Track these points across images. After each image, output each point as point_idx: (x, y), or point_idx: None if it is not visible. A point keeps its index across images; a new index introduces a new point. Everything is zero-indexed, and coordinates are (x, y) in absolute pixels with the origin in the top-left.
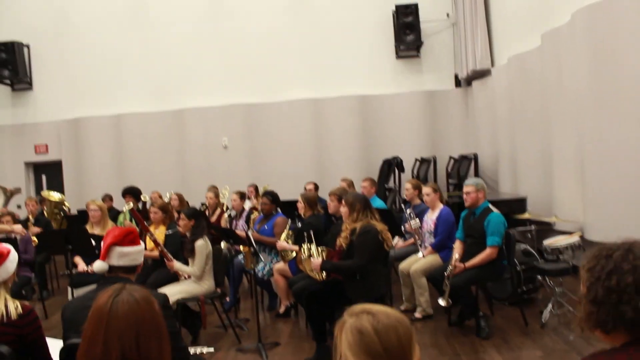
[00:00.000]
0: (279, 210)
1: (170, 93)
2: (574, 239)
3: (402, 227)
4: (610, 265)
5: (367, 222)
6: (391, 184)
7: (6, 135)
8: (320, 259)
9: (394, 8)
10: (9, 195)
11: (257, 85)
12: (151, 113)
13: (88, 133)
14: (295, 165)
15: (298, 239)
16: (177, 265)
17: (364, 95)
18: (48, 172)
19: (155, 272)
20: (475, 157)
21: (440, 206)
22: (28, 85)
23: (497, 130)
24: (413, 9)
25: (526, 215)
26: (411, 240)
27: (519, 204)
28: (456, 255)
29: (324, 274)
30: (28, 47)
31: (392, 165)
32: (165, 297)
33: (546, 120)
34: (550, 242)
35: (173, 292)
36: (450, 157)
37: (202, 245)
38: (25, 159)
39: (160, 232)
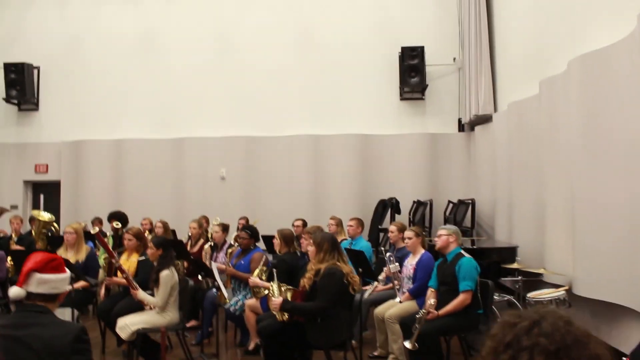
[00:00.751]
0: (257, 245)
1: (171, 122)
2: (559, 293)
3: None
4: (509, 336)
5: (333, 263)
6: (387, 224)
7: (9, 153)
8: (280, 299)
9: (400, 50)
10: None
11: (258, 118)
12: (151, 140)
13: (88, 156)
14: (291, 201)
15: (271, 276)
16: (140, 294)
17: (365, 135)
18: (46, 192)
19: (125, 299)
20: (473, 203)
21: (422, 251)
22: (34, 105)
23: (496, 176)
24: (419, 52)
25: (515, 265)
26: (390, 285)
27: (510, 252)
28: (431, 300)
29: (286, 314)
30: (38, 69)
31: (387, 206)
32: (80, 330)
33: (540, 170)
34: (534, 294)
35: (135, 321)
36: (449, 202)
37: (167, 275)
38: (24, 178)
39: (132, 260)
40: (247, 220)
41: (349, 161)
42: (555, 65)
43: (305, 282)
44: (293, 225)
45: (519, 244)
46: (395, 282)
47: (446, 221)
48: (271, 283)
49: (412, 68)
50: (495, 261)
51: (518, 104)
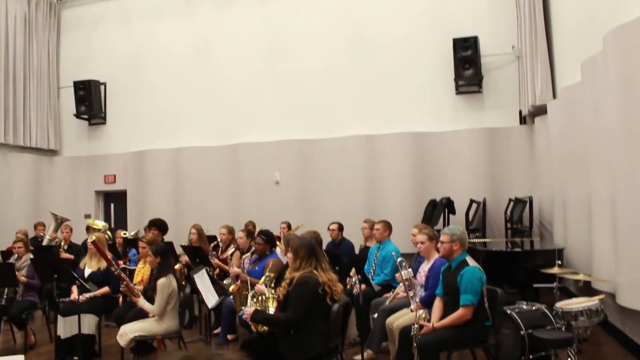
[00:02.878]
0: (274, 250)
1: (227, 128)
2: (592, 302)
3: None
4: None
5: (309, 271)
6: (440, 226)
7: (82, 165)
8: (252, 309)
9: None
10: (59, 222)
11: (311, 121)
12: (208, 147)
13: (150, 165)
14: (346, 203)
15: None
16: (140, 302)
17: (420, 132)
18: (115, 201)
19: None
20: (531, 201)
21: (436, 256)
22: (102, 120)
23: (552, 171)
24: (472, 42)
25: (554, 270)
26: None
27: (552, 255)
28: (421, 312)
29: (264, 326)
30: (105, 85)
31: (436, 206)
32: None
33: (587, 163)
34: (563, 304)
35: (133, 329)
36: (510, 200)
37: (164, 283)
38: (96, 188)
39: (147, 268)
40: (289, 226)
41: (404, 161)
42: (595, 43)
43: (280, 291)
44: (328, 228)
45: (569, 246)
46: (408, 289)
47: (507, 221)
48: (268, 291)
49: (465, 60)
50: (536, 266)
51: (567, 90)
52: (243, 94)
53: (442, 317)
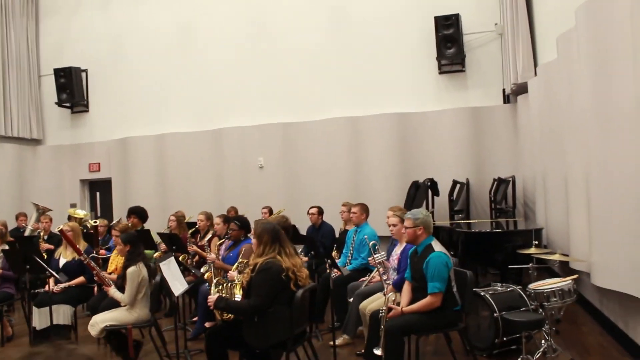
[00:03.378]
0: (249, 236)
1: (210, 113)
2: (564, 283)
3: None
4: None
5: (272, 257)
6: (425, 208)
7: (66, 154)
8: (215, 296)
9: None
10: (41, 212)
11: (294, 104)
12: (191, 132)
13: (134, 152)
14: (331, 185)
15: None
16: (111, 291)
17: (404, 113)
18: (100, 189)
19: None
20: (513, 181)
21: None
22: (85, 107)
23: (534, 150)
24: (454, 20)
25: (531, 250)
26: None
27: (533, 236)
28: (390, 295)
29: (228, 313)
30: (86, 71)
31: (419, 188)
32: None
33: (563, 141)
34: (535, 285)
35: (104, 319)
36: (494, 180)
37: (134, 271)
38: (80, 177)
39: (121, 257)
40: (271, 210)
41: (387, 142)
42: (570, 17)
43: (243, 277)
44: (308, 212)
45: (549, 226)
46: (381, 272)
47: (492, 201)
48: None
49: (447, 38)
50: (516, 246)
51: (545, 67)
52: (226, 77)
53: (412, 301)
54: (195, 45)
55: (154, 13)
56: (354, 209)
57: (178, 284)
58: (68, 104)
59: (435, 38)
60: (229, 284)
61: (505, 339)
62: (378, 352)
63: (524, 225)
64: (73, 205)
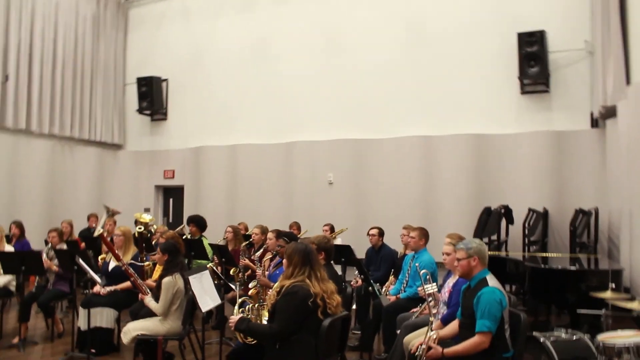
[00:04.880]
0: None
1: (282, 126)
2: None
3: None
4: None
5: (300, 280)
6: (496, 237)
7: (144, 160)
8: (237, 317)
9: (516, 37)
10: (111, 214)
11: (367, 120)
12: (263, 145)
13: (207, 161)
14: (400, 205)
15: None
16: (147, 299)
17: (481, 134)
18: (174, 196)
19: None
20: (596, 213)
21: None
22: (163, 116)
23: (621, 180)
24: (538, 37)
25: (606, 295)
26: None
27: (610, 277)
28: (432, 334)
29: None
30: (167, 81)
31: (491, 215)
32: None
33: None
34: (605, 336)
35: (137, 327)
36: (577, 211)
37: (169, 282)
38: (156, 183)
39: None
40: (332, 228)
41: (462, 164)
42: None
43: (269, 300)
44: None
45: (634, 267)
46: (431, 305)
47: (572, 234)
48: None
49: (530, 56)
50: (587, 289)
51: (637, 86)
52: (299, 91)
53: (457, 340)
54: (270, 59)
55: (233, 27)
56: (412, 233)
57: (209, 299)
58: (148, 112)
59: (517, 56)
60: (257, 305)
61: None
62: None
63: (606, 264)
64: (147, 210)
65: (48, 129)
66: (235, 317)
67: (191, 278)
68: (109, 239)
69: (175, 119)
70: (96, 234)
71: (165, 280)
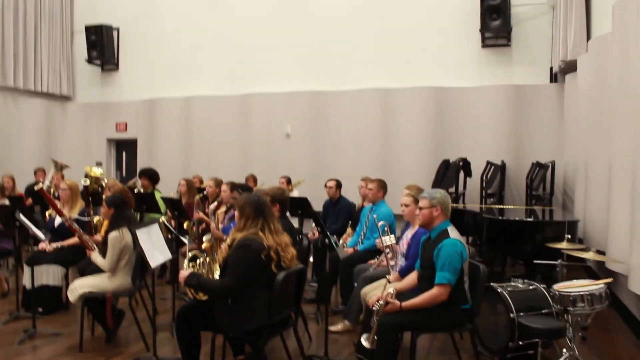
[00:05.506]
0: None
1: (238, 78)
2: (595, 287)
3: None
4: None
5: (253, 233)
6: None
7: (94, 112)
8: (187, 272)
9: None
10: (59, 168)
11: (326, 72)
12: (219, 97)
13: (160, 114)
14: (358, 158)
15: None
16: (93, 255)
17: (441, 87)
18: (127, 149)
19: None
20: (553, 166)
21: None
22: (115, 66)
23: (578, 134)
24: None
25: (562, 245)
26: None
27: (566, 228)
28: (390, 289)
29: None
30: (118, 30)
31: (449, 167)
32: None
33: (612, 124)
34: (561, 286)
35: (83, 284)
36: (533, 164)
37: (116, 237)
38: (107, 136)
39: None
40: (289, 180)
41: (421, 117)
42: None
43: (220, 254)
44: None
45: (588, 219)
46: (388, 257)
47: (528, 187)
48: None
49: (492, 9)
50: (547, 238)
51: (598, 41)
52: (255, 41)
53: (414, 293)
54: (225, 8)
55: None
56: (370, 185)
57: (158, 254)
58: (98, 62)
59: (480, 8)
60: (209, 259)
61: (520, 343)
62: (365, 343)
63: (560, 216)
64: (99, 164)
65: None
66: (185, 272)
67: (139, 232)
68: (56, 193)
69: (127, 69)
70: (37, 188)
71: (112, 235)
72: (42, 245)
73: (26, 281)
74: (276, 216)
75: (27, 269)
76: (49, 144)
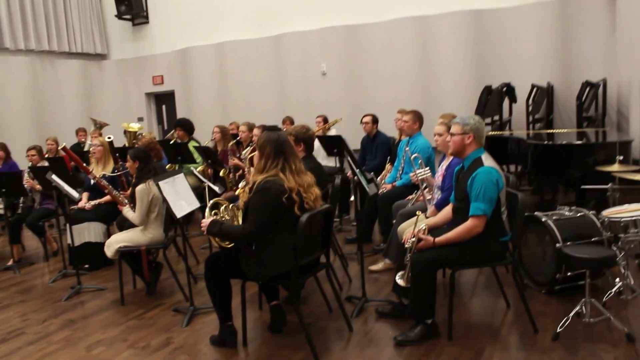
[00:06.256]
0: None
1: (270, 18)
2: None
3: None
4: None
5: (273, 174)
6: (499, 117)
7: (130, 68)
8: (208, 220)
9: None
10: (98, 127)
11: (359, 3)
12: (251, 40)
13: (194, 63)
14: (397, 92)
15: None
16: (124, 210)
17: (478, 10)
18: (166, 102)
19: None
20: (604, 84)
21: None
22: (145, 19)
23: (633, 49)
24: None
25: (613, 168)
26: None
27: (617, 149)
28: (421, 225)
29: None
30: None
31: (492, 93)
32: None
33: None
34: (610, 211)
35: (118, 239)
36: (583, 84)
37: (142, 190)
38: (145, 90)
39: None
40: (325, 119)
41: (459, 43)
42: None
43: (242, 199)
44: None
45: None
46: (424, 190)
47: (579, 109)
48: None
49: None
50: (596, 162)
51: None
52: None
53: (450, 227)
54: None
55: None
56: (405, 117)
57: (184, 203)
58: (128, 17)
59: None
60: (232, 205)
61: (568, 274)
62: (400, 281)
63: (614, 137)
64: (140, 119)
65: (24, 44)
66: (207, 220)
67: (161, 183)
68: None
69: (157, 21)
70: (60, 148)
71: (139, 188)
72: (80, 204)
73: (70, 239)
74: (298, 155)
75: (69, 228)
76: (89, 104)
